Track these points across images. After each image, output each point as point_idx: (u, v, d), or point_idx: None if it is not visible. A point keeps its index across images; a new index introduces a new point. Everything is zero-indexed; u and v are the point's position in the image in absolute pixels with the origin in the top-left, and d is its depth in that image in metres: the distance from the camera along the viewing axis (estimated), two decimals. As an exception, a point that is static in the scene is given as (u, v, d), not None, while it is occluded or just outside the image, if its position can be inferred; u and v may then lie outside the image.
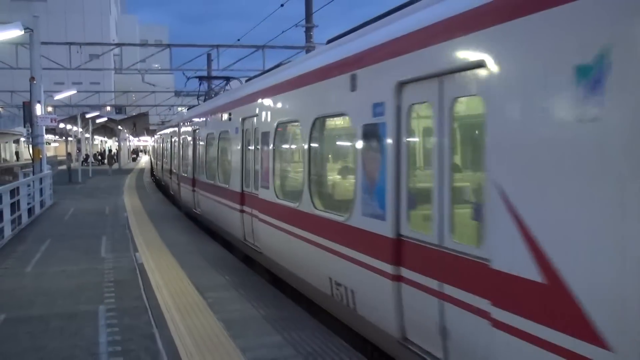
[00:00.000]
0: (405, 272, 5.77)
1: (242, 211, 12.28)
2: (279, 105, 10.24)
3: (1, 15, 33.01)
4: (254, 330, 7.65)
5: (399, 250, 5.89)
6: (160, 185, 34.67)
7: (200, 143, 18.27)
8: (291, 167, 10.41)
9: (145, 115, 60.04)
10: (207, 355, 6.77)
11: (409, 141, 5.89)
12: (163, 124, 50.99)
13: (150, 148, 68.67)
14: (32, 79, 22.47)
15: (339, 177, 8.70)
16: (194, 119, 20.38)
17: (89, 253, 13.21)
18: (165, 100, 66.40)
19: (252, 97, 11.92)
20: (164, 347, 7.06)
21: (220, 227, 14.96)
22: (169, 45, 35.39)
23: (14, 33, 20.23)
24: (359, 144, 6.82)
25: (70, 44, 31.58)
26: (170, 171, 27.19)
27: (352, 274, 6.93)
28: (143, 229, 16.87)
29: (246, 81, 15.53)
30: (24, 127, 24.06)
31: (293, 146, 10.45)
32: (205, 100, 23.75)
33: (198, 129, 19.01)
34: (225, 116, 14.52)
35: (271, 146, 10.33)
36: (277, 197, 9.93)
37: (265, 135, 10.76)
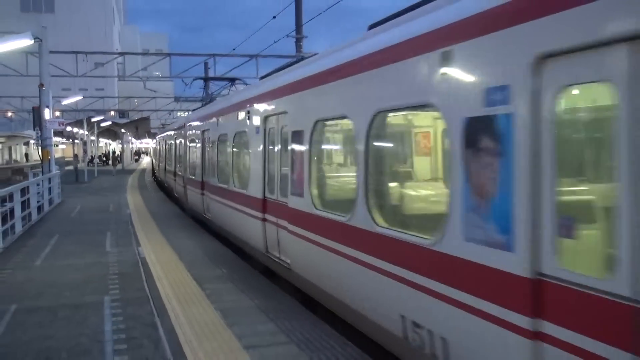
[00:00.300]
0: (552, 329, 3.79)
1: (264, 220, 10.18)
2: (319, 98, 7.92)
3: (12, 26, 32.79)
4: (249, 319, 7.61)
5: (539, 296, 3.88)
6: (161, 185, 34.49)
7: (211, 144, 15.88)
8: (336, 173, 8.57)
9: (146, 119, 59.89)
10: (205, 342, 6.74)
11: (560, 139, 3.84)
12: (164, 127, 50.66)
13: (152, 150, 68.36)
14: (41, 85, 22.36)
15: (415, 186, 6.70)
16: (202, 120, 17.94)
17: (94, 247, 13.12)
18: (165, 105, 66.19)
19: (280, 92, 9.62)
20: (165, 335, 7.03)
21: (236, 235, 12.74)
22: (168, 54, 35.17)
23: (25, 42, 20.10)
24: (458, 143, 4.69)
25: (77, 52, 31.33)
26: (175, 173, 25.18)
27: (444, 317, 4.90)
28: (145, 225, 16.78)
29: (260, 79, 12.81)
30: (34, 130, 23.82)
31: (339, 147, 8.63)
32: (207, 103, 22.28)
33: (208, 129, 16.54)
34: (241, 115, 12.13)
35: (306, 147, 8.13)
36: (314, 207, 7.82)
37: (297, 135, 8.53)
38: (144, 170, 54.78)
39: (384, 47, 6.14)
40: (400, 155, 7.15)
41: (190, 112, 22.21)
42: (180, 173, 23.03)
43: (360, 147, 6.46)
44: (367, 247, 6.28)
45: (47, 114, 22.37)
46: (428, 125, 6.18)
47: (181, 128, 23.39)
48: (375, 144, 6.45)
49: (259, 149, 10.69)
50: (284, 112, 9.30)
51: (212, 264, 11.20)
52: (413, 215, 6.46)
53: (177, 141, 24.90)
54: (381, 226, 6.07)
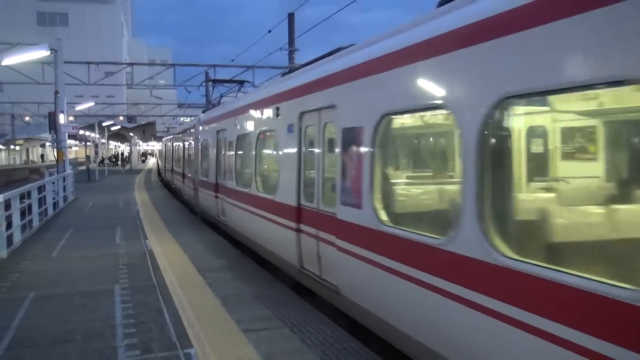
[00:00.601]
0: None
1: (298, 231, 8.20)
2: (391, 86, 5.68)
3: (29, 39, 32.56)
4: (247, 306, 7.61)
5: None
6: (166, 184, 34.32)
7: (227, 145, 13.64)
8: (417, 180, 6.31)
9: (152, 124, 59.61)
10: (206, 326, 6.75)
11: None
12: (168, 131, 50.33)
13: (158, 152, 68.03)
14: (56, 92, 22.23)
15: (566, 201, 4.42)
16: (217, 120, 15.42)
17: (105, 240, 13.07)
18: (169, 111, 66.20)
19: (324, 83, 7.41)
20: (170, 320, 7.03)
21: (258, 242, 10.66)
22: (173, 65, 34.98)
23: (41, 53, 20.12)
24: None
25: (89, 63, 31.22)
26: (183, 174, 22.91)
27: None
28: (151, 220, 16.73)
29: (282, 75, 10.70)
30: (49, 133, 23.74)
31: (423, 147, 6.42)
32: (213, 106, 20.37)
33: (224, 129, 14.21)
34: (267, 112, 9.98)
35: (367, 148, 6.06)
36: (381, 222, 5.78)
37: (352, 132, 6.43)
38: (150, 170, 54.61)
39: (518, 5, 3.94)
40: (545, 159, 4.71)
41: (201, 113, 20.41)
42: (190, 175, 20.75)
43: (470, 147, 4.32)
44: (483, 284, 4.20)
45: (61, 118, 22.24)
46: (603, 115, 4.00)
47: (192, 129, 21.03)
48: (501, 143, 4.37)
49: (291, 150, 8.62)
50: (331, 107, 7.13)
51: (213, 255, 11.18)
52: (576, 246, 4.13)
53: (187, 142, 22.64)
54: (512, 258, 3.96)
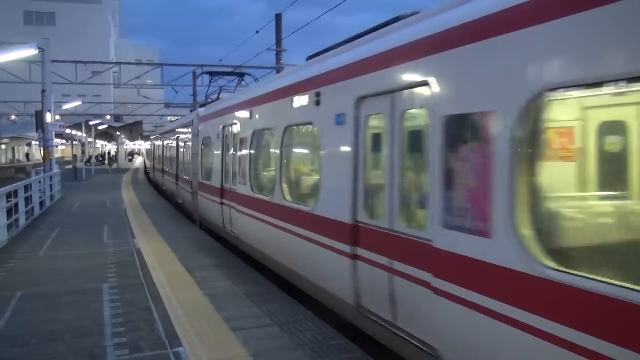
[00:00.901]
0: None
1: (354, 257, 6.14)
2: (571, 42, 3.39)
3: (17, 38, 32.22)
4: (235, 303, 7.57)
5: None
6: (153, 183, 34.08)
7: (238, 142, 11.32)
8: (620, 196, 3.89)
9: (139, 123, 59.15)
10: (195, 324, 6.70)
11: None
12: (155, 130, 49.91)
13: (145, 151, 67.58)
14: (43, 91, 21.97)
15: None
16: (223, 114, 13.02)
17: (93, 239, 12.93)
18: (156, 110, 65.84)
19: (406, 53, 5.23)
20: (159, 318, 6.97)
21: (288, 267, 8.36)
22: (160, 64, 34.78)
23: (29, 52, 19.93)
24: None
25: (76, 62, 30.91)
26: (177, 176, 20.85)
27: None
28: (139, 218, 16.60)
29: (308, 58, 8.73)
30: (36, 132, 23.45)
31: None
32: (202, 105, 17.96)
33: (233, 123, 11.83)
34: (300, 100, 7.82)
35: (504, 145, 3.91)
36: (535, 262, 3.64)
37: (465, 122, 4.33)
38: (137, 169, 54.27)
39: None
40: None
41: (189, 112, 18.92)
42: (186, 177, 18.31)
43: None
44: None
45: (48, 117, 22.00)
46: None
47: (188, 125, 18.37)
48: None
49: (342, 148, 6.52)
50: (418, 85, 5.04)
51: (201, 253, 11.12)
52: None
53: (182, 140, 20.00)
54: None
